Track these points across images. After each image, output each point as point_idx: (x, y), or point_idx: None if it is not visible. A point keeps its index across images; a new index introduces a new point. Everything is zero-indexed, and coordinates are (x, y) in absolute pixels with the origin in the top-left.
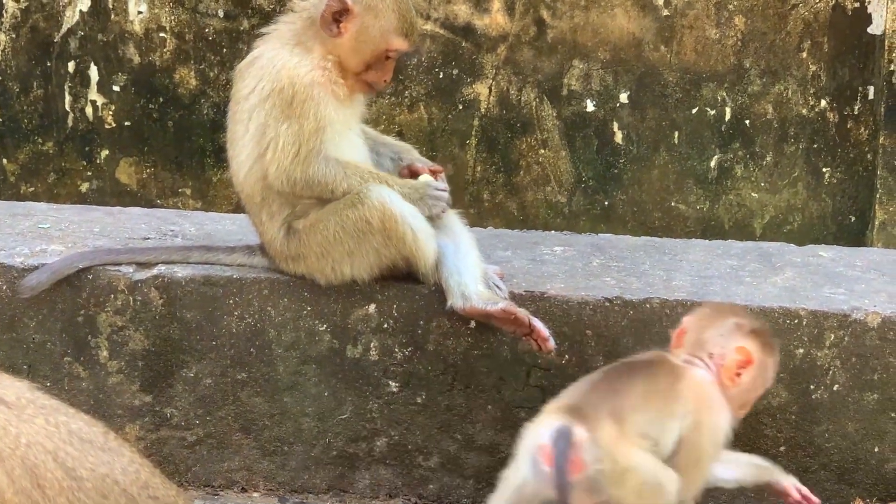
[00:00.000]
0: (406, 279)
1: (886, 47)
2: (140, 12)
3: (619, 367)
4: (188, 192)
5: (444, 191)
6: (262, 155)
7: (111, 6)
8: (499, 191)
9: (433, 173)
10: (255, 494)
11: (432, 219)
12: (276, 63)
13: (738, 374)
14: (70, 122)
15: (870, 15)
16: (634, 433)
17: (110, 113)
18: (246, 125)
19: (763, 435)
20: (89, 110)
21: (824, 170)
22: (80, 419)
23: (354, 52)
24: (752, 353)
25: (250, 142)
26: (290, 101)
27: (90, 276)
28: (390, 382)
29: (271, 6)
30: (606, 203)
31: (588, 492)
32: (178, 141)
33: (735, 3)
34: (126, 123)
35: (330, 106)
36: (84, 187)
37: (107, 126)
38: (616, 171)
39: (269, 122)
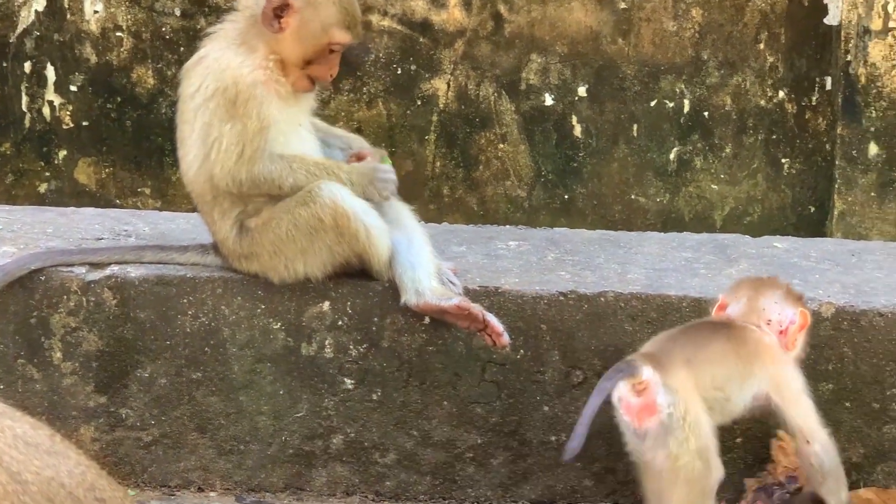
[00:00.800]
0: (360, 276)
1: (843, 38)
2: (96, 11)
3: (699, 324)
4: (147, 191)
5: (391, 173)
6: (207, 155)
7: (67, 6)
8: (458, 186)
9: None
10: (212, 494)
11: (381, 203)
12: (221, 63)
13: (796, 338)
14: (27, 123)
15: (826, 6)
16: (709, 385)
17: (68, 113)
18: (192, 125)
19: (719, 426)
20: (46, 110)
21: (783, 161)
22: (25, 423)
23: (297, 46)
24: (808, 317)
25: (197, 141)
26: (234, 101)
27: (43, 278)
28: (345, 380)
29: (228, 4)
30: (566, 197)
31: (656, 440)
32: (136, 140)
33: None
34: (84, 123)
35: (273, 105)
36: (42, 188)
37: (64, 126)
38: (575, 164)
39: (213, 121)
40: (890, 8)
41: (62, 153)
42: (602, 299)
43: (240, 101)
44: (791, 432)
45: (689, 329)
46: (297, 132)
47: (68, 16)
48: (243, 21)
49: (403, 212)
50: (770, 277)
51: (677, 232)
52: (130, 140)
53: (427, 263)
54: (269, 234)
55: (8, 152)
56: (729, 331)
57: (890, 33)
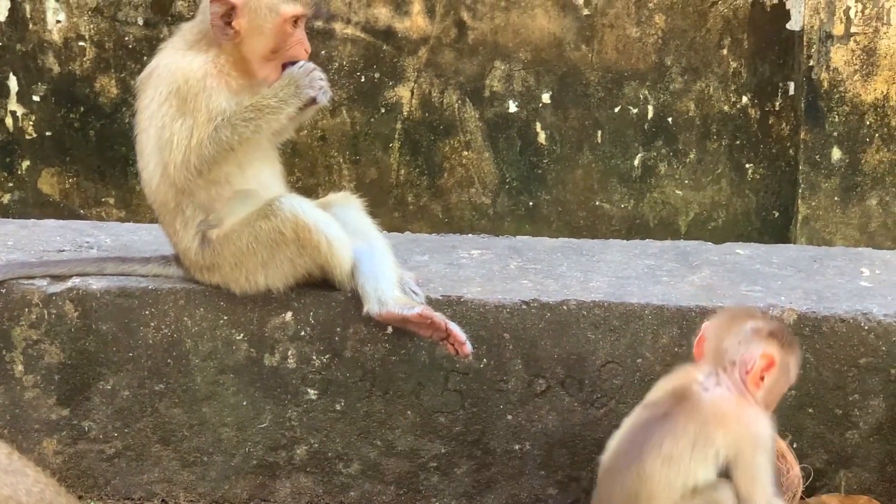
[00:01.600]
0: (322, 286)
1: (805, 43)
2: (59, 21)
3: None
4: (111, 201)
5: (315, 69)
6: (163, 158)
7: (29, 16)
8: (423, 193)
9: None
10: None
11: (342, 212)
12: (171, 66)
13: (762, 378)
14: None
15: (788, 11)
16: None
17: (31, 123)
18: (148, 133)
19: None
20: (9, 121)
21: (747, 166)
22: None
23: (259, 40)
24: (774, 357)
25: (154, 149)
26: (185, 98)
27: (3, 291)
28: (309, 390)
29: (191, 13)
30: (531, 203)
31: None
32: (100, 150)
33: (655, 1)
34: (47, 133)
35: (222, 96)
36: (6, 198)
37: (27, 136)
38: (540, 171)
39: (165, 122)
40: (851, 13)
41: (25, 163)
42: (564, 307)
43: (190, 95)
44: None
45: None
46: None
47: (31, 25)
48: (191, 35)
49: (365, 222)
50: (746, 309)
51: (642, 238)
52: (94, 150)
53: (389, 273)
54: (231, 246)
55: None
56: (674, 417)
57: (852, 38)
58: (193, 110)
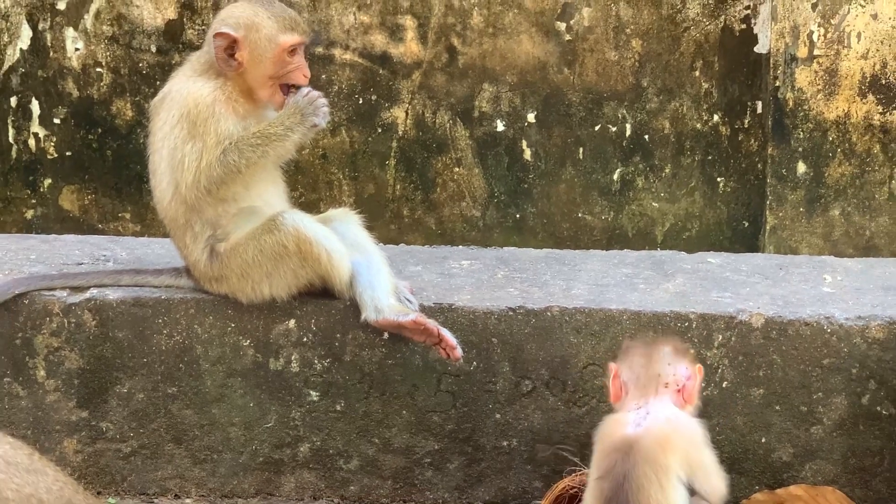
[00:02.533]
0: (323, 295)
1: (772, 65)
2: (77, 49)
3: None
4: (127, 216)
5: (319, 97)
6: (174, 178)
7: (50, 44)
8: (417, 207)
9: None
10: (188, 500)
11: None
12: (183, 91)
13: (694, 392)
14: (14, 154)
15: (756, 35)
16: None
17: (52, 144)
18: (161, 153)
19: None
20: (32, 142)
21: (719, 179)
22: (5, 443)
23: (260, 69)
24: (700, 368)
25: (167, 169)
26: (195, 122)
27: (27, 301)
28: (311, 392)
29: (200, 41)
30: (518, 216)
31: None
32: (116, 169)
33: (632, 27)
34: (67, 153)
35: (230, 121)
36: (29, 214)
37: (49, 156)
38: (526, 185)
39: (177, 144)
40: (814, 37)
41: (47, 181)
42: (548, 314)
43: (200, 120)
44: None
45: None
46: None
47: (51, 53)
48: (199, 65)
49: (362, 236)
50: (653, 340)
51: (621, 247)
52: (111, 168)
53: (385, 283)
54: (237, 258)
55: None
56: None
57: (815, 60)
58: (203, 134)
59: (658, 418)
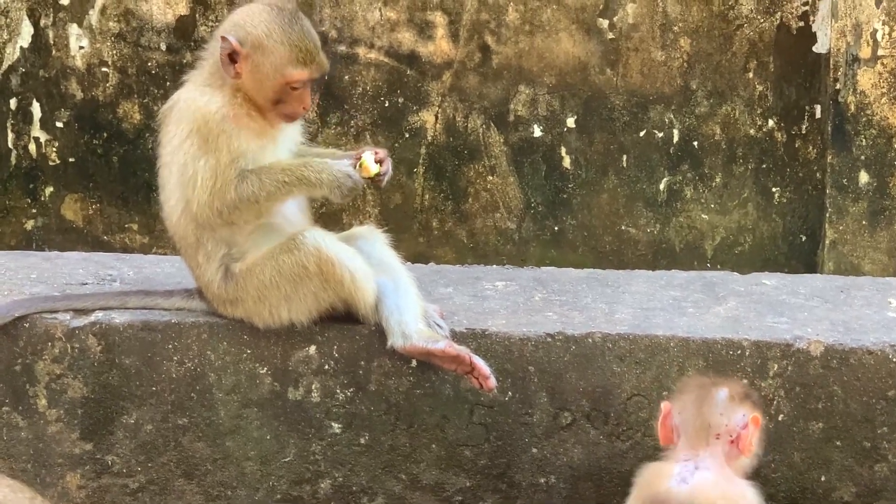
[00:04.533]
0: (346, 319)
1: (832, 66)
2: (82, 47)
3: None
4: (135, 227)
5: (359, 178)
6: (185, 195)
7: (52, 42)
8: (448, 218)
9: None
10: None
11: (366, 246)
12: (191, 104)
13: (751, 442)
14: (13, 160)
15: (815, 34)
16: None
17: (54, 149)
18: (170, 168)
19: None
20: (33, 147)
21: (774, 190)
22: (4, 486)
23: (257, 89)
24: (759, 417)
25: (177, 185)
26: (206, 138)
27: (27, 325)
28: (333, 424)
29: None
30: (556, 228)
31: None
32: (123, 176)
33: (680, 24)
34: (70, 160)
35: (242, 137)
36: (29, 225)
37: (51, 163)
38: (565, 196)
39: (187, 160)
40: (878, 36)
41: (49, 190)
42: (589, 340)
43: (211, 136)
44: None
45: None
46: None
47: (54, 52)
48: (209, 66)
49: (389, 255)
50: (709, 382)
51: (667, 263)
52: (117, 176)
53: (413, 306)
54: (254, 279)
55: None
56: None
57: (879, 61)
58: (215, 150)
59: (706, 478)
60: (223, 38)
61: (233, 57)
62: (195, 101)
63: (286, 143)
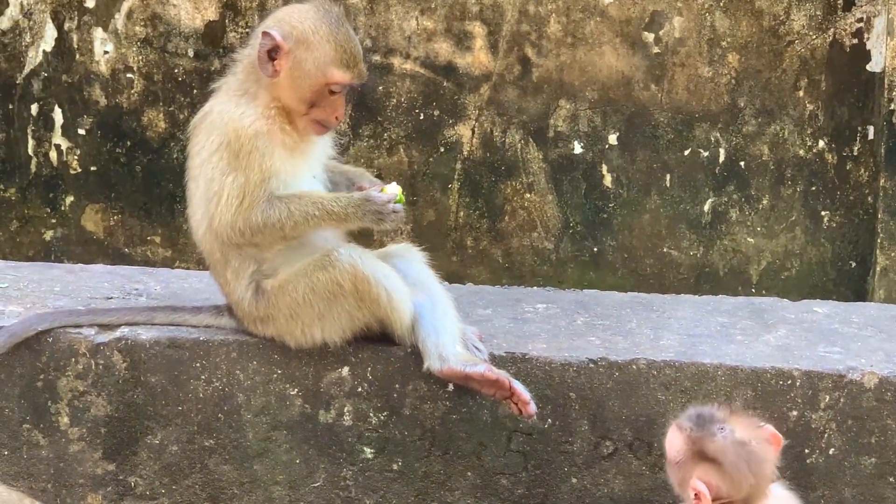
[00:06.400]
0: (381, 340)
1: (886, 85)
2: (106, 52)
3: None
4: (157, 239)
5: (389, 204)
6: (209, 210)
7: (76, 46)
8: (483, 237)
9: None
10: None
11: (402, 264)
12: (223, 116)
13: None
14: (33, 168)
15: (869, 52)
16: None
17: (75, 157)
18: (197, 181)
19: None
20: (53, 155)
21: (823, 213)
22: None
23: (294, 89)
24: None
25: (202, 199)
26: (237, 153)
27: (50, 339)
28: (365, 448)
29: (243, 45)
30: (595, 249)
31: None
32: (146, 186)
33: (728, 39)
34: (92, 168)
35: (276, 155)
36: (48, 235)
37: (72, 171)
38: (605, 215)
39: (215, 175)
40: None
41: (69, 199)
42: (633, 367)
43: (242, 153)
44: None
45: None
46: (303, 181)
47: (77, 56)
48: (243, 70)
49: (426, 274)
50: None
51: (710, 288)
52: (140, 186)
53: (451, 328)
54: (286, 297)
55: (13, 198)
56: None
57: None
58: (245, 168)
59: None
60: (265, 34)
61: (272, 54)
62: (228, 112)
63: (318, 158)
